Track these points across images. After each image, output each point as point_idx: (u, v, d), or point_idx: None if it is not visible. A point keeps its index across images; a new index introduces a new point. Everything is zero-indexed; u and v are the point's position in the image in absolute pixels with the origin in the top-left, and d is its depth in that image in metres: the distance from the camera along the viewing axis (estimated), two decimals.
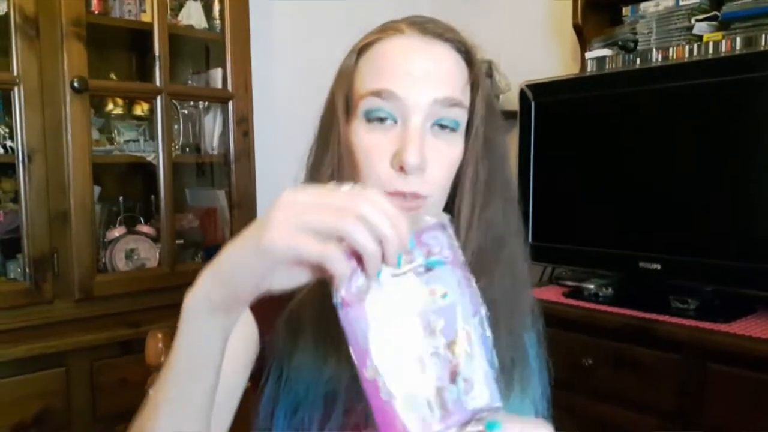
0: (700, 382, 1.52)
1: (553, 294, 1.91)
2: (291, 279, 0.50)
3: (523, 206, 1.95)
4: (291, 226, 0.46)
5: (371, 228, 0.47)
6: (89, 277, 1.71)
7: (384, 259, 0.48)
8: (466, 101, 0.68)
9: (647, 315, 1.65)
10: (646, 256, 1.76)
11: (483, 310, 0.50)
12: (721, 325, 1.54)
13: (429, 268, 0.50)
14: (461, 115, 0.68)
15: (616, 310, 1.73)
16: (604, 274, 1.93)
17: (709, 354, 1.51)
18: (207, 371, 0.55)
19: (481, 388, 0.47)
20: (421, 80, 0.65)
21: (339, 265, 0.47)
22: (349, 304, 0.48)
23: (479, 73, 0.70)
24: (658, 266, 1.73)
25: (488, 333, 0.49)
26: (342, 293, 0.48)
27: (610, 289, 1.85)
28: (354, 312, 0.48)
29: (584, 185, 1.95)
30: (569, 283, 1.99)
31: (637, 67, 1.91)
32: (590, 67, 2.02)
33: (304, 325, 0.69)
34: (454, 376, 0.47)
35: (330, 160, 0.68)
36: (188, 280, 0.53)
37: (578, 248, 1.94)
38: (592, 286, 1.87)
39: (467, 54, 0.69)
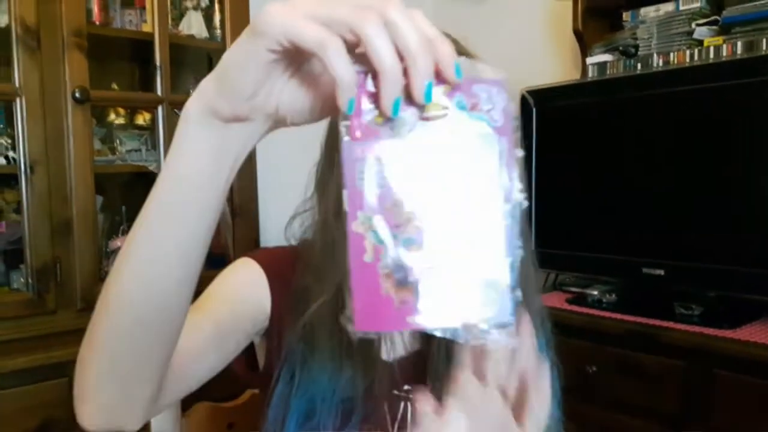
0: (705, 388, 1.51)
1: (556, 300, 1.91)
2: (294, 96, 0.45)
3: (526, 213, 1.94)
4: (295, 11, 0.40)
5: (398, 37, 0.38)
6: (92, 287, 1.71)
7: (409, 89, 0.39)
8: None
9: (651, 321, 1.64)
10: (650, 262, 1.75)
11: (522, 201, 0.42)
12: (726, 331, 1.53)
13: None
14: None
15: (619, 316, 1.72)
16: (607, 280, 1.93)
17: (714, 360, 1.49)
18: (193, 196, 0.47)
19: (491, 296, 0.40)
20: None
21: (339, 62, 0.38)
22: (357, 137, 0.40)
23: None
24: (662, 272, 1.72)
25: (517, 232, 0.41)
26: (350, 121, 0.40)
27: (613, 296, 1.84)
28: (360, 149, 0.40)
29: (586, 191, 1.94)
30: (573, 289, 1.98)
31: (638, 72, 1.91)
32: (591, 73, 2.01)
33: (320, 334, 0.70)
34: (459, 266, 0.41)
35: (336, 178, 0.69)
36: None
37: (581, 254, 1.94)
38: (595, 293, 1.86)
39: None
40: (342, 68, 0.38)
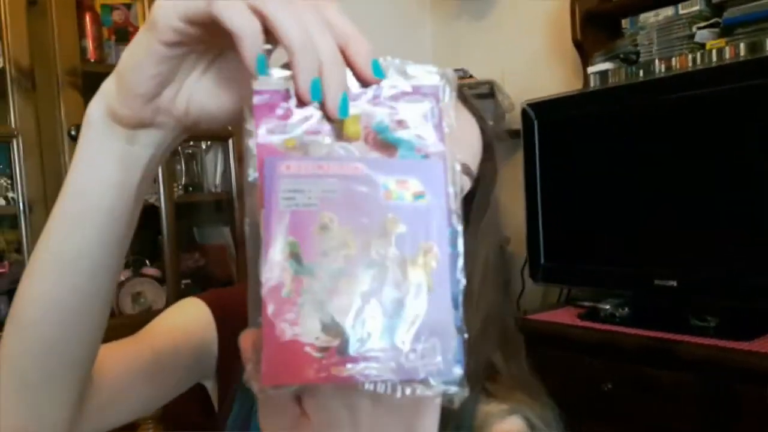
0: (723, 403, 1.45)
1: (568, 316, 1.86)
2: (207, 96, 0.41)
3: (533, 228, 1.90)
4: None
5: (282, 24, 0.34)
6: None
7: (311, 94, 0.35)
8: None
9: (666, 335, 1.59)
10: (662, 273, 1.70)
11: (458, 224, 0.37)
12: (744, 343, 1.47)
13: (391, 144, 0.37)
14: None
15: (633, 330, 1.66)
16: (620, 293, 1.87)
17: (732, 374, 1.44)
18: (97, 206, 0.43)
19: (434, 344, 0.35)
20: None
21: (233, 12, 0.34)
22: (267, 146, 0.35)
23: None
24: (675, 283, 1.67)
25: (460, 263, 0.37)
26: (255, 138, 0.35)
27: (626, 309, 1.78)
28: (284, 164, 0.35)
29: (594, 203, 1.90)
30: (585, 303, 1.93)
31: (641, 79, 1.87)
32: (593, 82, 1.98)
33: None
34: (395, 306, 0.35)
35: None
36: None
37: (591, 268, 1.89)
38: (608, 306, 1.81)
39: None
40: (238, 16, 0.34)
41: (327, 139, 0.37)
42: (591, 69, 1.99)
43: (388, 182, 0.36)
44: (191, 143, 2.07)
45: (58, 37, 1.66)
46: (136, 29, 1.84)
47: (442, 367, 0.36)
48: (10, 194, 1.68)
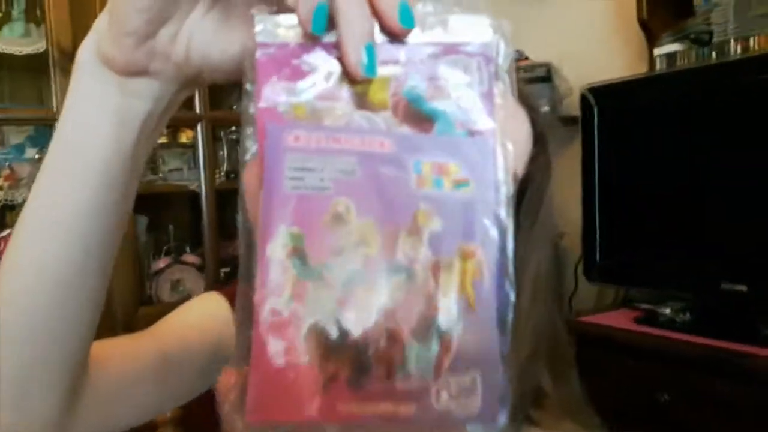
0: None
1: (623, 319, 1.72)
2: (211, 40, 0.35)
3: (590, 222, 1.77)
4: None
5: None
6: (132, 311, 1.70)
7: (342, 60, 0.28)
8: None
9: (732, 345, 1.44)
10: (730, 276, 1.55)
11: (509, 222, 0.29)
12: None
13: (426, 116, 0.29)
14: None
15: (695, 338, 1.52)
16: (681, 297, 1.72)
17: None
18: (89, 163, 0.37)
19: (474, 378, 0.28)
20: None
21: None
22: (270, 112, 0.28)
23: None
24: (744, 287, 1.51)
25: (510, 273, 0.29)
26: (260, 95, 0.29)
27: (688, 314, 1.64)
28: (292, 136, 0.28)
29: (657, 197, 1.75)
30: (642, 306, 1.79)
31: (714, 61, 1.70)
32: (659, 65, 1.82)
33: None
34: (425, 326, 0.28)
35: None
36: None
37: (652, 267, 1.75)
38: (667, 311, 1.67)
39: None
40: None
41: (346, 107, 0.29)
42: (657, 51, 1.83)
43: (422, 165, 0.29)
44: (233, 128, 2.04)
45: None
46: None
47: (483, 410, 0.28)
48: None
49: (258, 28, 0.29)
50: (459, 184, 0.29)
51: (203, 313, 0.67)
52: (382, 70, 0.29)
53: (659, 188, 1.75)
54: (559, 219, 2.07)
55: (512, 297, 0.29)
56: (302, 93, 0.29)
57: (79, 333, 0.43)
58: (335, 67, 0.29)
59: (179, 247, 1.92)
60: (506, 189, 0.29)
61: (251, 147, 0.29)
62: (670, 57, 1.80)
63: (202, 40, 0.35)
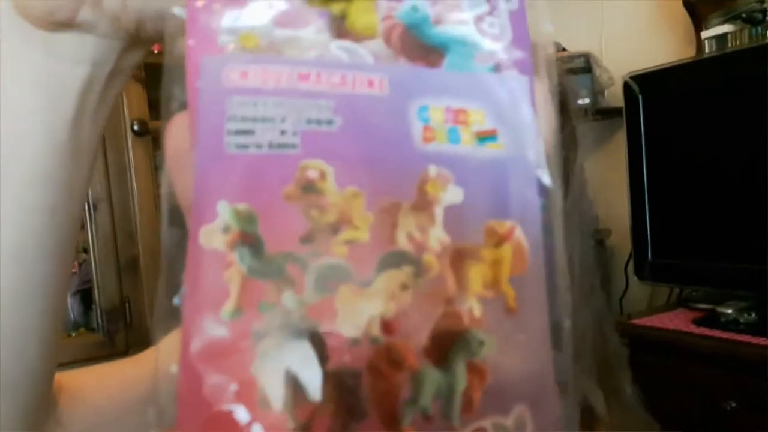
0: None
1: (681, 320, 1.61)
2: None
3: (639, 218, 1.66)
4: None
5: None
6: None
7: None
8: None
9: None
10: None
11: (557, 190, 0.21)
12: None
13: (433, 46, 0.21)
14: None
15: (762, 341, 1.40)
16: (744, 296, 1.60)
17: None
18: (10, 145, 0.29)
19: (521, 417, 0.19)
20: None
21: None
22: (208, 45, 0.20)
23: None
24: None
25: (561, 262, 0.21)
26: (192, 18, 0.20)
27: (753, 314, 1.51)
28: (236, 71, 0.20)
29: (711, 188, 1.63)
30: (702, 306, 1.67)
31: None
32: (708, 48, 1.71)
33: None
34: (444, 343, 0.19)
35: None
36: None
37: (709, 264, 1.63)
38: (729, 311, 1.54)
39: None
40: None
41: (317, 36, 0.21)
42: (705, 33, 1.71)
43: (430, 111, 0.20)
44: None
45: None
46: None
47: None
48: None
49: None
50: (484, 137, 0.20)
51: None
52: None
53: (713, 179, 1.63)
54: (605, 216, 1.96)
55: (567, 296, 0.20)
56: (253, 17, 0.20)
57: (20, 350, 0.32)
58: None
59: None
60: (550, 144, 0.21)
61: (178, 95, 0.20)
62: (720, 39, 1.69)
63: None
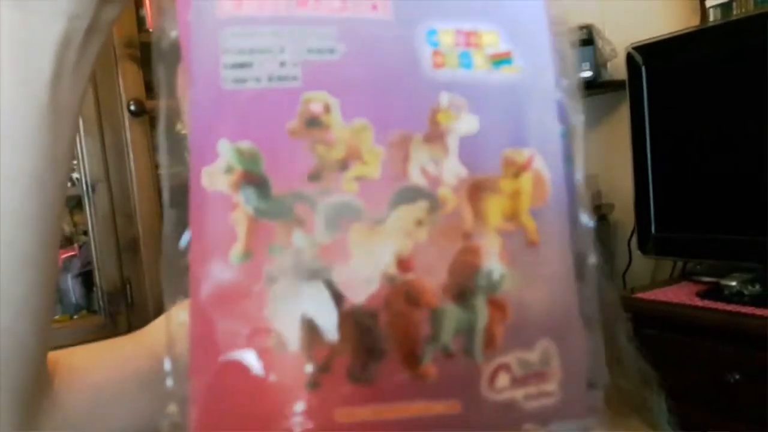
0: None
1: (684, 294, 1.60)
2: None
3: (642, 192, 1.65)
4: None
5: None
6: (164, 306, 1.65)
7: None
8: None
9: None
10: None
11: (578, 118, 0.20)
12: None
13: None
14: None
15: (766, 312, 1.39)
16: (748, 267, 1.58)
17: None
18: None
19: (547, 354, 0.18)
20: None
21: None
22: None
23: None
24: None
25: (583, 194, 0.20)
26: None
27: (757, 286, 1.50)
28: (203, 8, 0.19)
29: (717, 160, 1.61)
30: (705, 279, 1.66)
31: None
32: (713, 17, 1.67)
33: None
34: (463, 279, 0.18)
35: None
36: None
37: (713, 237, 1.61)
38: (734, 283, 1.53)
39: None
40: None
41: None
42: (710, 1, 1.68)
43: (439, 34, 0.19)
44: None
45: None
46: None
47: (566, 398, 0.18)
48: (75, 175, 1.63)
49: None
50: (499, 60, 0.19)
51: None
52: None
53: (718, 151, 1.61)
54: (608, 190, 1.95)
55: (591, 228, 0.19)
56: None
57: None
58: None
59: None
60: (570, 66, 0.20)
61: (170, 28, 0.19)
62: (725, 7, 1.65)
63: None
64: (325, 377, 0.17)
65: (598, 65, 1.93)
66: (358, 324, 0.18)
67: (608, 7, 2.02)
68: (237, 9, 0.18)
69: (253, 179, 0.18)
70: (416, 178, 0.18)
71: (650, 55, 1.70)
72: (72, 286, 1.68)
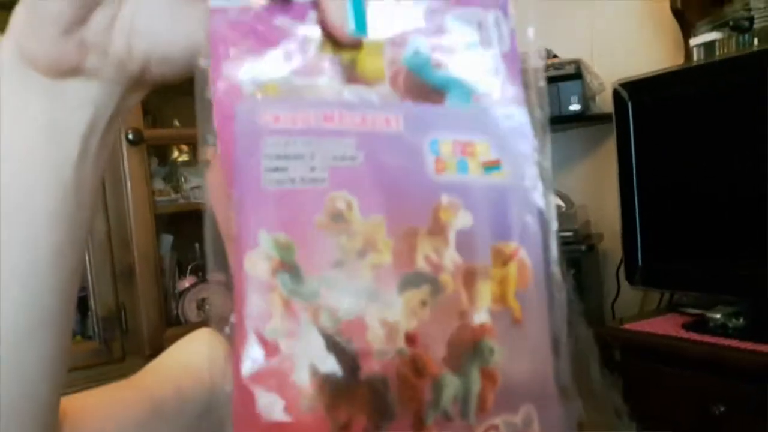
0: None
1: (670, 325, 1.62)
2: (159, 25, 0.28)
3: (629, 224, 1.68)
4: None
5: None
6: (159, 332, 1.66)
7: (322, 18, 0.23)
8: None
9: None
10: None
11: (552, 215, 0.23)
12: None
13: (435, 88, 0.23)
14: None
15: (749, 345, 1.42)
16: (733, 300, 1.62)
17: None
18: (11, 194, 0.30)
19: (528, 415, 0.21)
20: None
21: None
22: (234, 94, 0.23)
23: None
24: None
25: (558, 276, 0.23)
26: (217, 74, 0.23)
27: (741, 319, 1.53)
28: (270, 114, 0.22)
29: (701, 195, 1.65)
30: (691, 311, 1.69)
31: (756, 48, 1.60)
32: (696, 56, 1.72)
33: None
34: (460, 352, 0.21)
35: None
36: None
37: (699, 269, 1.64)
38: (718, 315, 1.56)
39: None
40: None
41: (332, 82, 0.23)
42: (694, 41, 1.73)
43: (441, 144, 0.23)
44: None
45: None
46: None
47: None
48: None
49: None
50: (489, 167, 0.22)
51: (195, 354, 0.59)
52: (374, 31, 0.23)
53: (703, 185, 1.65)
54: (597, 220, 1.98)
55: (564, 309, 0.22)
56: (273, 68, 0.23)
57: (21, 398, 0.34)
58: (314, 31, 0.23)
59: (205, 266, 1.89)
60: (543, 171, 0.23)
61: (212, 141, 0.23)
62: (708, 46, 1.70)
63: (146, 24, 0.28)
64: None
65: (586, 98, 1.98)
66: (373, 390, 0.21)
67: (597, 42, 2.07)
68: (276, 122, 0.22)
69: (287, 267, 0.21)
70: (421, 265, 0.22)
71: (636, 91, 1.74)
72: None
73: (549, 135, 0.24)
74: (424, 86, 0.24)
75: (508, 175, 0.22)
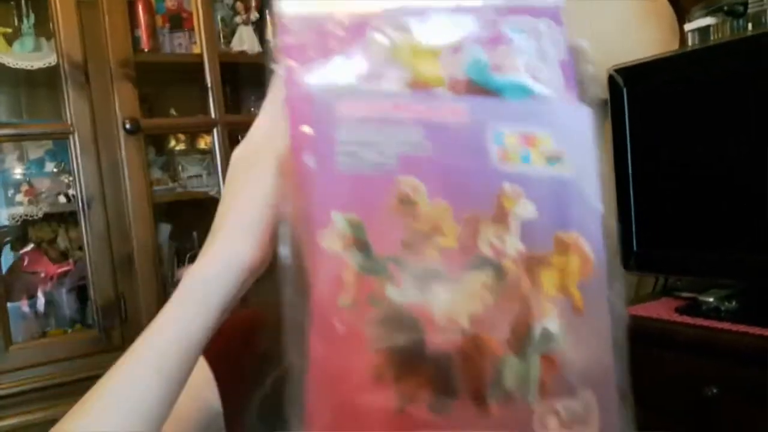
0: None
1: (664, 309, 1.64)
2: None
3: (624, 209, 1.69)
4: None
5: None
6: None
7: None
8: None
9: None
10: None
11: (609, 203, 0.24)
12: None
13: (492, 92, 0.24)
14: None
15: (741, 327, 1.43)
16: (726, 284, 1.63)
17: None
18: (180, 357, 0.40)
19: (587, 401, 0.22)
20: None
21: None
22: (307, 99, 0.24)
23: None
24: None
25: (618, 267, 0.24)
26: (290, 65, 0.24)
27: (734, 302, 1.55)
28: (345, 104, 0.24)
29: (696, 180, 1.66)
30: (684, 294, 1.70)
31: (750, 33, 1.60)
32: (691, 41, 1.73)
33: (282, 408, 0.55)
34: (522, 336, 0.22)
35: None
36: None
37: (693, 254, 1.66)
38: (711, 299, 1.58)
39: None
40: None
41: (395, 87, 0.25)
42: (688, 26, 1.74)
43: (505, 136, 0.24)
44: None
45: (110, 29, 1.63)
46: (190, 15, 1.78)
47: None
48: (71, 191, 1.67)
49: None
50: (552, 159, 0.23)
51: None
52: (431, 39, 0.25)
53: (697, 171, 1.65)
54: None
55: (623, 305, 0.24)
56: (340, 74, 0.24)
57: None
58: (377, 39, 0.25)
59: None
60: (604, 167, 0.24)
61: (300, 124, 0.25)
62: (703, 31, 1.71)
63: None
64: (411, 407, 0.22)
65: (581, 85, 1.97)
66: (438, 366, 0.22)
67: (591, 29, 2.07)
68: (349, 110, 0.23)
69: (359, 243, 0.22)
70: (485, 250, 0.23)
71: (631, 78, 1.75)
72: (67, 300, 1.71)
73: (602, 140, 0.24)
74: (483, 90, 0.25)
75: (570, 169, 0.23)
